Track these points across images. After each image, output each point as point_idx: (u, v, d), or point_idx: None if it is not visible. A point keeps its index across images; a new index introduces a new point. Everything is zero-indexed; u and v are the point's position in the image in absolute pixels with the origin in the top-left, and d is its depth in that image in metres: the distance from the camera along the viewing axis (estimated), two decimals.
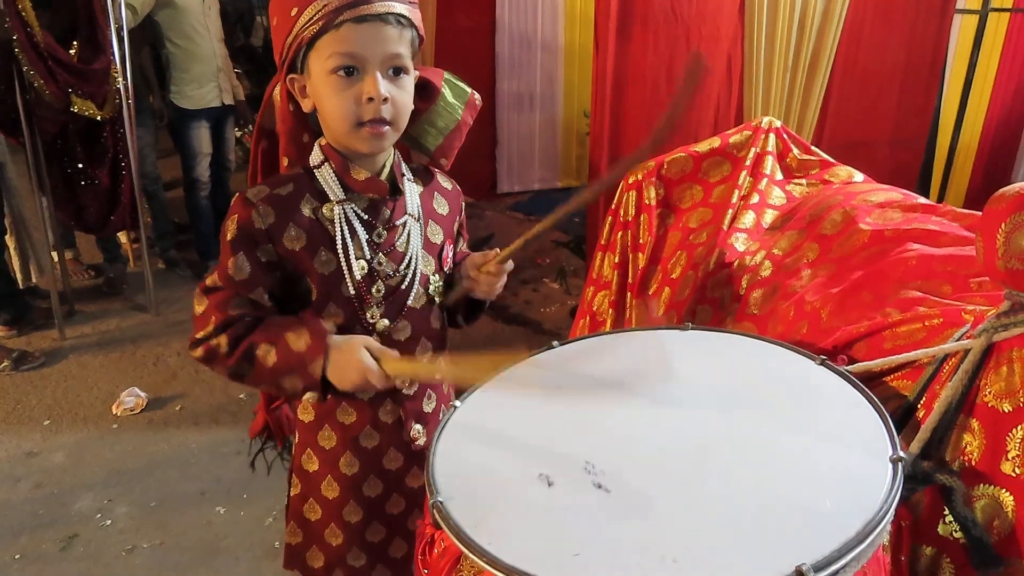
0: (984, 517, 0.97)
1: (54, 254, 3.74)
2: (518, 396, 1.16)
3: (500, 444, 1.07)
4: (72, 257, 4.19)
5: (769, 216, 1.85)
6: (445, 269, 1.25)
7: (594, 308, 2.13)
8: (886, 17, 3.08)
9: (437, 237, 1.23)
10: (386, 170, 1.15)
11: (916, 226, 1.43)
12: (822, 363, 1.16)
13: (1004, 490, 0.97)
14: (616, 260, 2.06)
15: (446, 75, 1.24)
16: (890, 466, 0.90)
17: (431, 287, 1.21)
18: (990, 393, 1.01)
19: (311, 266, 1.11)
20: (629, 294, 2.04)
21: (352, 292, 1.12)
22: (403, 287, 1.17)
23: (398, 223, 1.16)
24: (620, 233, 2.05)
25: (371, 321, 1.15)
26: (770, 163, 1.97)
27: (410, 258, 1.17)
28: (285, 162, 1.17)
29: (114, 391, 3.06)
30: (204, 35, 3.86)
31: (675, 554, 0.83)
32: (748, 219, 1.84)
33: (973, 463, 1.01)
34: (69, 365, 3.32)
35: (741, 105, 3.05)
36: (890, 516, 0.84)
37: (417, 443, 1.26)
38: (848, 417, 1.03)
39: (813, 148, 2.05)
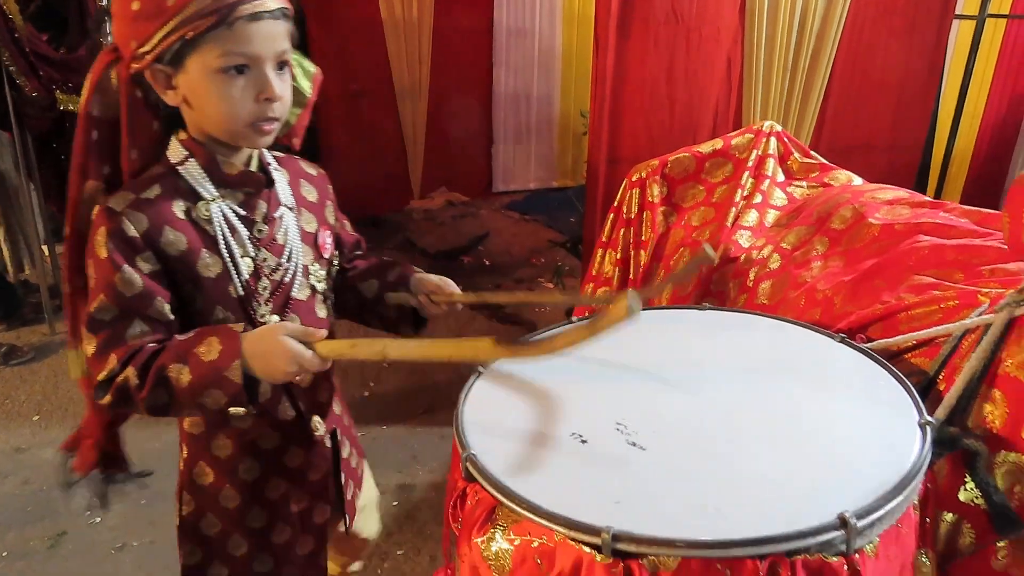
0: (1005, 483, 1.02)
1: (44, 248, 3.70)
2: (540, 364, 1.16)
3: (526, 406, 1.09)
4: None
5: (772, 216, 1.87)
6: (325, 256, 1.21)
7: (593, 305, 2.13)
8: (886, 21, 3.08)
9: (311, 226, 1.19)
10: (254, 161, 1.11)
11: (926, 220, 1.45)
12: (841, 340, 1.21)
13: None
14: (618, 257, 2.08)
15: (294, 54, 1.18)
16: (919, 430, 0.96)
17: (312, 277, 1.17)
18: (1012, 364, 1.06)
19: (194, 271, 1.04)
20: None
21: (241, 292, 1.07)
22: (287, 280, 1.12)
23: (276, 215, 1.11)
24: (623, 230, 2.06)
25: (261, 319, 1.09)
26: (772, 165, 2.00)
27: (290, 250, 1.13)
28: (135, 155, 1.06)
29: None
30: None
31: (716, 504, 0.85)
32: (751, 217, 1.86)
33: (995, 431, 1.05)
34: (59, 360, 3.27)
35: (740, 107, 3.04)
36: (923, 472, 0.89)
37: (318, 434, 1.21)
38: (873, 387, 1.08)
39: (812, 152, 2.08)
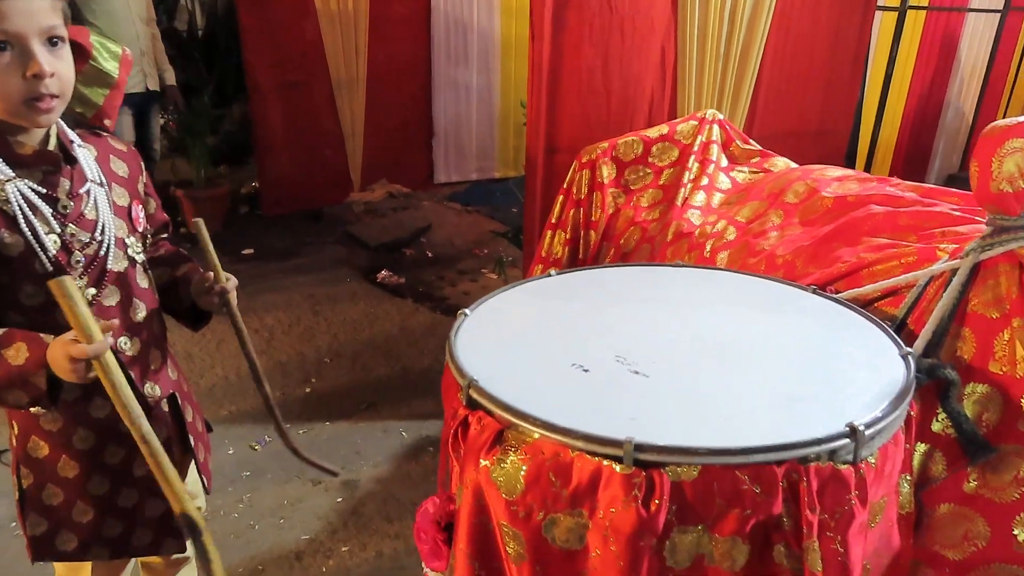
0: (974, 412, 1.11)
1: None
2: (528, 307, 1.21)
3: (521, 342, 1.10)
4: None
5: (717, 198, 1.93)
6: (140, 230, 1.25)
7: None
8: (812, 12, 3.18)
9: (123, 200, 1.22)
10: (52, 140, 1.13)
11: (876, 192, 1.53)
12: (814, 291, 1.27)
13: (992, 387, 1.10)
14: (567, 237, 2.11)
15: (93, 35, 1.22)
16: (902, 360, 1.04)
17: (129, 249, 1.21)
18: (978, 303, 1.14)
19: None
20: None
21: (50, 268, 1.08)
22: (101, 253, 1.15)
23: (81, 191, 1.14)
24: (572, 211, 2.09)
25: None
26: (716, 151, 2.07)
27: (102, 224, 1.15)
28: None
29: None
30: (125, 15, 3.67)
31: (728, 416, 0.89)
32: (699, 198, 1.92)
33: (965, 364, 1.14)
34: None
35: (675, 96, 3.09)
36: (913, 391, 0.96)
37: (153, 397, 1.24)
38: (851, 328, 1.15)
39: (750, 140, 2.15)
